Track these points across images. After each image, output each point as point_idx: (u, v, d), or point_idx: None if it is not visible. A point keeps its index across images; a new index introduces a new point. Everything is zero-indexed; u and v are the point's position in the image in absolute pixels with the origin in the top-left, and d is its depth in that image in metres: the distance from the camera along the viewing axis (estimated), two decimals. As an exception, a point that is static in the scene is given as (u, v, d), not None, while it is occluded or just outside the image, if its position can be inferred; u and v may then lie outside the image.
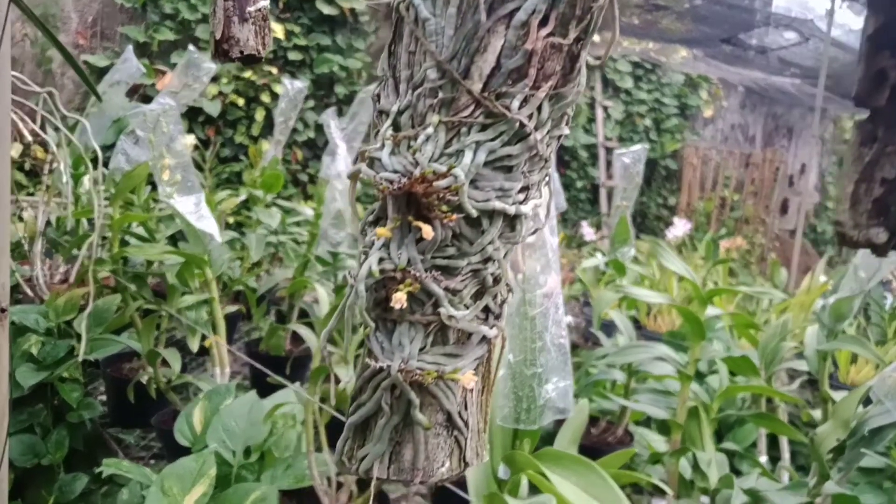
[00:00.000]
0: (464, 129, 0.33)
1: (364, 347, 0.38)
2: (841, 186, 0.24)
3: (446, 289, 0.34)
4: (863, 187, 0.23)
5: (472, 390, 0.37)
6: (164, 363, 1.58)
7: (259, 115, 4.07)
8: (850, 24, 4.29)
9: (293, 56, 4.10)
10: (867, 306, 2.23)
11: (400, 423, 0.37)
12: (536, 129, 0.32)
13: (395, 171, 0.33)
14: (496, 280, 0.35)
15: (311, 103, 4.19)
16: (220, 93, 3.97)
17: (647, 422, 2.17)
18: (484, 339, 0.36)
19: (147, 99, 3.21)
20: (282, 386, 1.51)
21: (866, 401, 1.16)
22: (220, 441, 1.33)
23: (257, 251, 2.23)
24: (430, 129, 0.32)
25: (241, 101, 3.99)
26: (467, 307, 0.35)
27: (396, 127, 0.34)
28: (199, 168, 2.74)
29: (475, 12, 0.32)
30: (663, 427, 2.23)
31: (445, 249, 0.34)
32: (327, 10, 4.12)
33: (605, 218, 5.11)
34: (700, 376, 1.80)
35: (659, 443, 1.80)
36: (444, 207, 0.32)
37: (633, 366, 1.59)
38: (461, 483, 1.08)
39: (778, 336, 1.59)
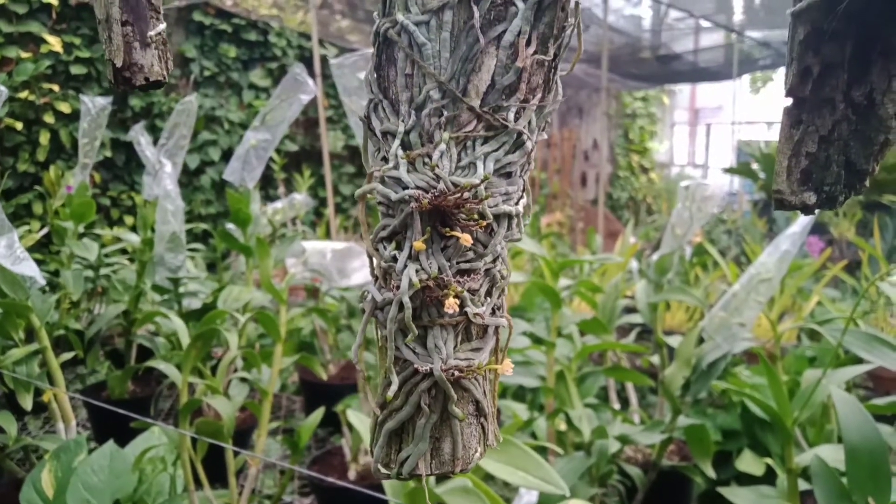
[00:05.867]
0: (469, 143, 0.36)
1: (382, 358, 0.38)
2: (778, 162, 0.30)
3: (468, 290, 0.36)
4: (793, 161, 0.29)
5: (489, 379, 0.40)
6: (-7, 429, 1.38)
7: (44, 138, 3.64)
8: (623, 8, 4.76)
9: (76, 70, 3.72)
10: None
11: (437, 419, 0.38)
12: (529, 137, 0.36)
13: (418, 187, 0.35)
14: (503, 276, 0.38)
15: (104, 120, 3.83)
16: (-7, 117, 3.50)
17: (503, 394, 2.31)
18: (495, 329, 0.39)
19: None
20: (136, 432, 1.40)
21: (700, 340, 1.33)
22: (82, 501, 1.20)
23: (76, 289, 2.02)
24: (442, 146, 0.34)
25: (19, 125, 3.54)
26: (482, 304, 0.38)
27: (405, 146, 0.35)
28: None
29: (468, 35, 0.34)
30: (519, 396, 2.37)
31: (466, 254, 0.37)
32: None
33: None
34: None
35: (521, 411, 1.93)
36: (467, 216, 0.34)
37: (494, 344, 1.67)
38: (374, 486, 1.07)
39: (613, 296, 1.76)
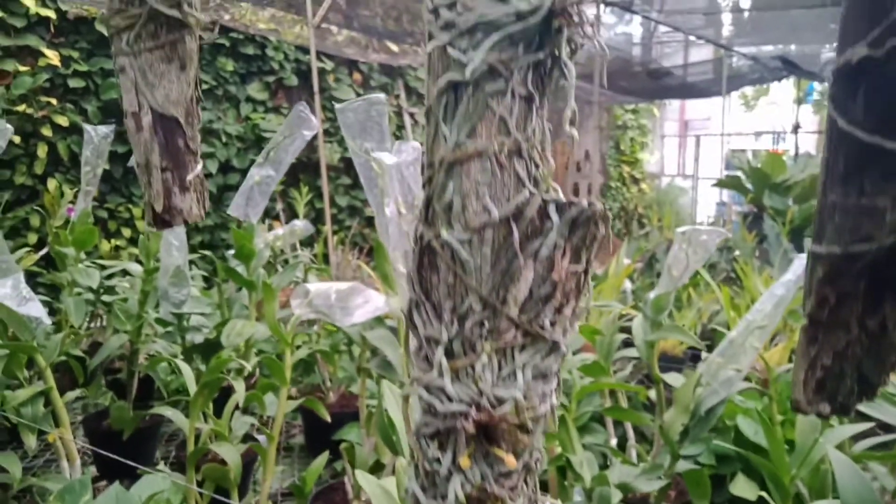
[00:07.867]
0: (508, 351, 0.38)
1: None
2: (794, 373, 0.33)
3: (508, 487, 0.38)
4: (809, 373, 0.32)
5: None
6: (-2, 469, 1.39)
7: (41, 151, 3.64)
8: (615, 25, 4.79)
9: (74, 83, 3.72)
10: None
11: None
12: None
13: (461, 401, 0.37)
14: (538, 462, 0.40)
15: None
16: (-11, 131, 3.49)
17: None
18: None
19: None
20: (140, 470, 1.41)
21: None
22: (90, 545, 1.22)
23: (77, 316, 2.03)
24: (484, 358, 0.36)
25: (17, 139, 3.54)
26: (521, 495, 0.40)
27: (448, 354, 0.37)
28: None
29: (507, 251, 0.37)
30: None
31: (504, 458, 0.38)
32: (109, 31, 3.79)
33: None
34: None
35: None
36: (511, 430, 0.37)
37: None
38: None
39: (610, 332, 1.79)
